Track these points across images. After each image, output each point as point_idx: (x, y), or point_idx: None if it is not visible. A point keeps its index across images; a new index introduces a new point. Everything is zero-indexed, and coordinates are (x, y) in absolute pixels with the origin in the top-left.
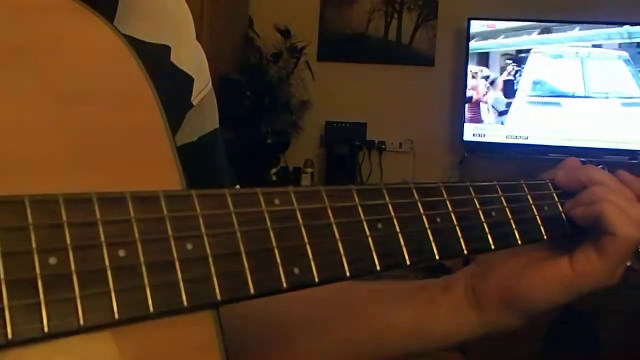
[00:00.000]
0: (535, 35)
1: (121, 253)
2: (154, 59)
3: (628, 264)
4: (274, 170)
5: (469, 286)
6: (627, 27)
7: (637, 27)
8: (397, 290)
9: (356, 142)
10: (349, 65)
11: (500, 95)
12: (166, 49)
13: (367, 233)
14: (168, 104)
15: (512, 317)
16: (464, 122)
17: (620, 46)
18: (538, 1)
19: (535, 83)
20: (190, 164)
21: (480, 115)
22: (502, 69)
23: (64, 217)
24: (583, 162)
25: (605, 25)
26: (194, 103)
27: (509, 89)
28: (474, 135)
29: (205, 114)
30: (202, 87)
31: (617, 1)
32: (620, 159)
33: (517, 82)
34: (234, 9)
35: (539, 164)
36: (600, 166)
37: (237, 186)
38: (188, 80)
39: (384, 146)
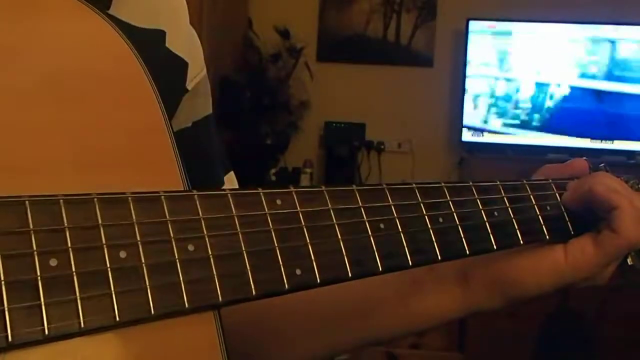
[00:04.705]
0: None
1: (122, 254)
2: (150, 45)
3: (629, 263)
4: (273, 171)
5: (457, 264)
6: None
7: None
8: None
9: (355, 143)
10: (348, 65)
11: None
12: (161, 34)
13: (369, 234)
14: (164, 89)
15: (498, 299)
16: (463, 122)
17: None
18: (537, 1)
19: None
20: (185, 150)
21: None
22: None
23: (65, 219)
24: (590, 165)
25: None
26: (189, 88)
27: None
28: (472, 135)
29: (199, 100)
30: (197, 73)
31: (616, 1)
32: (619, 159)
33: None
34: (233, 10)
35: (537, 164)
36: (602, 164)
37: (231, 173)
38: (183, 66)
39: (382, 146)
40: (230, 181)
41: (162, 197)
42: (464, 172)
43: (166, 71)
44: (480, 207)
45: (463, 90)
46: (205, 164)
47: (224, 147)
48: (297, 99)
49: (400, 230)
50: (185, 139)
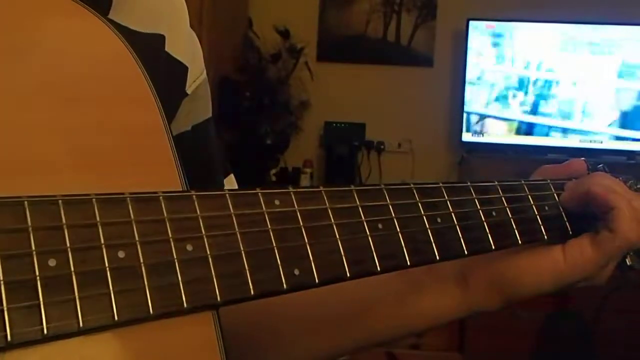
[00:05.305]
0: None
1: (121, 254)
2: (149, 49)
3: (628, 263)
4: (273, 171)
5: (456, 264)
6: None
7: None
8: None
9: (355, 143)
10: (348, 65)
11: None
12: (161, 38)
13: (368, 234)
14: (163, 93)
15: (497, 299)
16: (462, 122)
17: None
18: (538, 1)
19: None
20: (184, 154)
21: None
22: None
23: (64, 219)
24: (588, 165)
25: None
26: (189, 92)
27: None
28: (472, 135)
29: (199, 103)
30: (197, 76)
31: (616, 2)
32: (618, 159)
33: None
34: (234, 10)
35: (537, 164)
36: (600, 165)
37: (231, 175)
38: (182, 69)
39: (382, 146)
40: (231, 184)
41: (161, 197)
42: (463, 172)
43: (166, 75)
44: (479, 207)
45: (463, 90)
46: (205, 167)
47: (223, 149)
48: (297, 99)
49: (398, 230)
50: (185, 142)
